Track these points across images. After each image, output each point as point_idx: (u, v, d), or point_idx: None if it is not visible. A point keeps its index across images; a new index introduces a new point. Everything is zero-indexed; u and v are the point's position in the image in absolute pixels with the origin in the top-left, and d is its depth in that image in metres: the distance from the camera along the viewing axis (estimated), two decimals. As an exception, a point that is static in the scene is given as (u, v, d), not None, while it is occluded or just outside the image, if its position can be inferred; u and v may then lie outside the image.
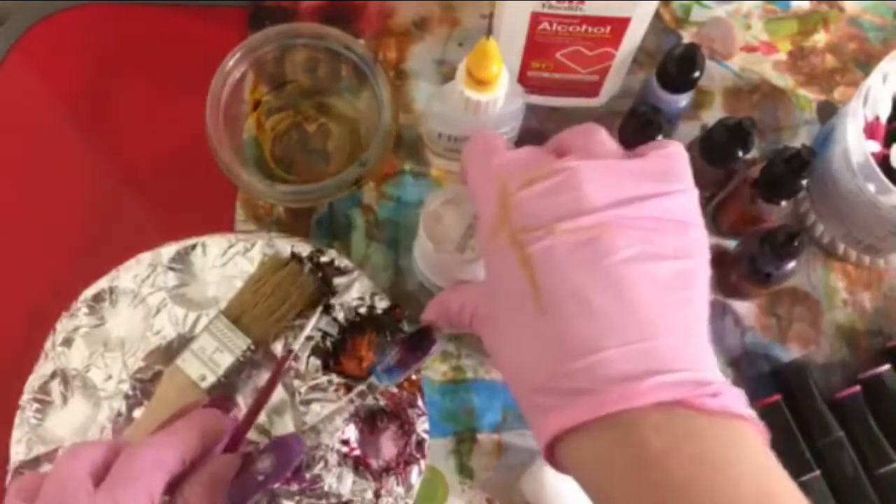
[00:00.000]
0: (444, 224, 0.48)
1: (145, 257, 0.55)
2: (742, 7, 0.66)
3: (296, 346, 0.52)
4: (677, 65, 0.53)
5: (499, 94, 0.50)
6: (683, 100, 0.56)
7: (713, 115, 0.62)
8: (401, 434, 0.52)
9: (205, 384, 0.51)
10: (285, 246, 0.55)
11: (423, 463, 0.52)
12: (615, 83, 0.60)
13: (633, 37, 0.53)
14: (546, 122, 0.61)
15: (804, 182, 0.51)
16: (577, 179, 0.34)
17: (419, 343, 0.48)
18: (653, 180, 0.34)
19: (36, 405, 0.53)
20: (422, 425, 0.52)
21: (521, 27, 0.53)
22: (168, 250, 0.55)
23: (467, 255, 0.47)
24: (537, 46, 0.55)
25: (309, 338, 0.54)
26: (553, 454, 0.33)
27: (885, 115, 0.54)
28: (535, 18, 0.52)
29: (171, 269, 0.55)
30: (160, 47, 0.64)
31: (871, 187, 0.52)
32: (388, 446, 0.52)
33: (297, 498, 0.51)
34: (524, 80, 0.58)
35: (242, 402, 0.54)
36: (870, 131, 0.53)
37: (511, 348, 0.35)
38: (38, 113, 0.62)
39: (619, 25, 0.52)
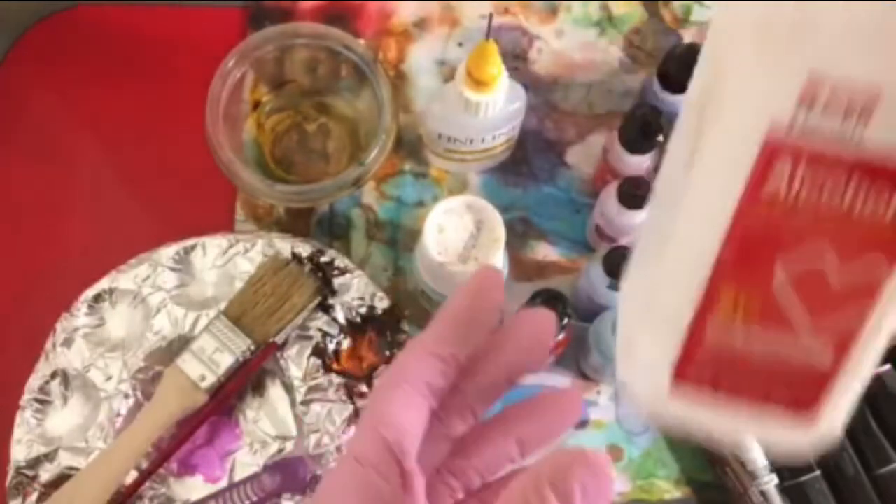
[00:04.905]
0: (446, 234, 0.48)
1: (145, 257, 0.55)
2: (742, 7, 0.66)
3: (279, 340, 0.53)
4: (678, 65, 0.53)
5: (498, 95, 0.50)
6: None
7: (713, 115, 0.62)
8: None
9: (205, 384, 0.51)
10: (285, 246, 0.55)
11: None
12: (858, 372, 0.24)
13: None
14: (546, 122, 0.61)
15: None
16: None
17: None
18: None
19: (36, 405, 0.53)
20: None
21: (735, 172, 0.21)
22: (168, 250, 0.55)
23: (469, 265, 0.47)
24: (754, 235, 0.22)
25: (309, 338, 0.54)
26: None
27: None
28: (769, 155, 0.21)
29: (171, 269, 0.55)
30: (160, 47, 0.63)
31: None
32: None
33: (297, 498, 0.51)
34: (693, 356, 0.24)
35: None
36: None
37: None
38: (38, 113, 0.62)
39: None
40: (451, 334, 0.27)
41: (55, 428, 0.53)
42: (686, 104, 0.23)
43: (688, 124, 0.23)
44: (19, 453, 0.52)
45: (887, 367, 0.55)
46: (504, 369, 0.28)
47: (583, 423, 0.55)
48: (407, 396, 0.26)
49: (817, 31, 0.19)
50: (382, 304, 0.55)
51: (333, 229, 0.59)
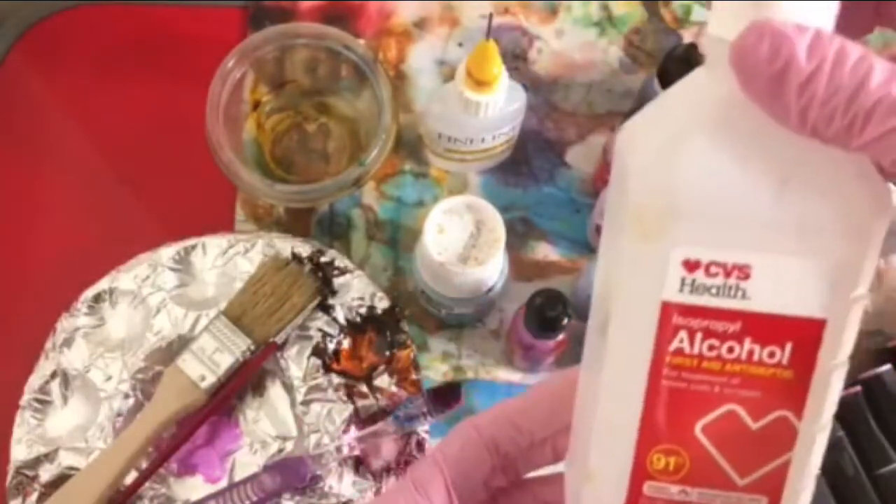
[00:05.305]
0: (446, 234, 0.48)
1: (145, 257, 0.55)
2: (742, 7, 0.66)
3: (279, 340, 0.53)
4: (678, 65, 0.53)
5: (498, 95, 0.50)
6: (684, 100, 0.56)
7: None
8: (401, 434, 0.52)
9: (204, 384, 0.51)
10: (285, 246, 0.55)
11: (423, 463, 0.52)
12: None
13: (833, 373, 0.23)
14: (546, 122, 0.61)
15: None
16: None
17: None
18: None
19: (36, 405, 0.53)
20: (422, 425, 0.52)
21: (641, 345, 0.23)
22: (168, 250, 0.55)
23: (469, 265, 0.47)
24: (669, 401, 0.24)
25: (309, 338, 0.54)
26: None
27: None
28: (667, 320, 0.23)
29: (171, 269, 0.55)
30: (159, 47, 0.63)
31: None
32: (389, 446, 0.52)
33: (297, 498, 0.51)
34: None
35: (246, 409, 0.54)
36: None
37: None
38: (38, 113, 0.62)
39: (806, 337, 0.23)
40: (538, 412, 0.28)
41: (55, 428, 0.53)
42: (596, 276, 0.24)
43: (597, 295, 0.24)
44: (19, 453, 0.52)
45: (887, 367, 0.55)
46: (560, 457, 0.29)
47: None
48: (475, 448, 0.28)
49: (680, 220, 0.21)
50: (382, 304, 0.55)
51: (333, 229, 0.59)
